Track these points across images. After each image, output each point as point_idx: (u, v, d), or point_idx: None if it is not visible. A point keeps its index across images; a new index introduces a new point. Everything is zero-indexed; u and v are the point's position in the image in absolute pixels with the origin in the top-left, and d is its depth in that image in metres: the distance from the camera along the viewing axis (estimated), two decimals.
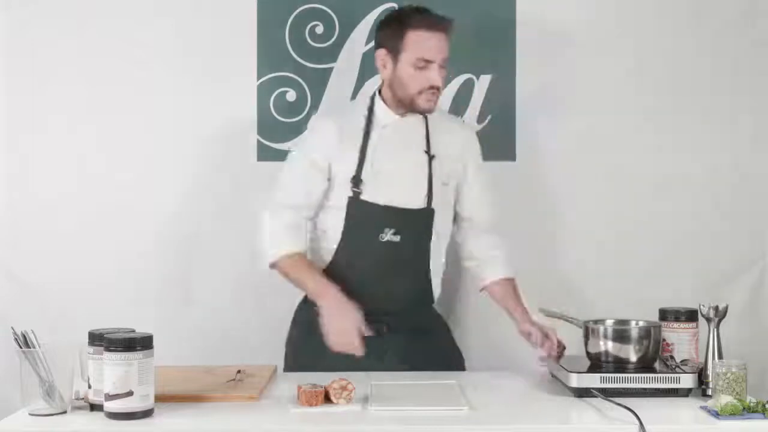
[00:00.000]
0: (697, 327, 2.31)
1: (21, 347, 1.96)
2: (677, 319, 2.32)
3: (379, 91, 2.59)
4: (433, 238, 2.57)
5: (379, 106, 2.57)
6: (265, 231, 2.55)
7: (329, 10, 3.08)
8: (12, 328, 1.98)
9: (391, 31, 2.50)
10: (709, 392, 2.11)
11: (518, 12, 3.06)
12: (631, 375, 2.12)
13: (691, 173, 3.11)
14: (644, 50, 3.09)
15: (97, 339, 1.96)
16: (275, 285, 3.05)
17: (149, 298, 3.02)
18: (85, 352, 1.99)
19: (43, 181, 3.08)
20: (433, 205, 2.55)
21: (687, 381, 2.12)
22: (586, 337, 2.24)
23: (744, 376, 2.05)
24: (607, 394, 2.05)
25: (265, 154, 3.08)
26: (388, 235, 2.50)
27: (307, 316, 2.59)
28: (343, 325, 2.39)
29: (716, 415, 1.93)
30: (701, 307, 2.20)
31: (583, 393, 2.10)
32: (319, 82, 3.08)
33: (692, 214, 3.10)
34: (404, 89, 2.49)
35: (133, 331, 2.00)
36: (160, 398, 1.98)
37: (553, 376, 2.30)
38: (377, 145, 2.53)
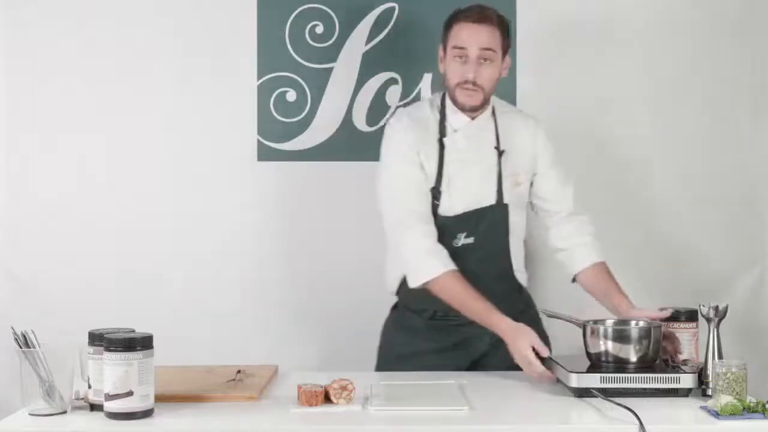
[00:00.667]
0: (697, 327, 2.31)
1: (21, 347, 1.96)
2: (677, 319, 2.32)
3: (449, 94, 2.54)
4: (510, 233, 2.53)
5: (449, 106, 2.53)
6: (407, 256, 2.45)
7: (329, 10, 3.08)
8: (12, 328, 1.98)
9: (444, 28, 2.49)
10: (709, 392, 2.11)
11: (518, 12, 3.06)
12: (631, 375, 2.12)
13: (691, 173, 3.11)
14: (645, 49, 3.09)
15: (97, 339, 1.96)
16: (275, 285, 3.08)
17: (149, 298, 3.02)
18: (85, 352, 1.99)
19: (43, 181, 3.08)
20: (506, 200, 2.52)
21: (687, 381, 2.12)
22: (586, 337, 2.24)
23: (744, 376, 2.05)
24: (607, 394, 2.05)
25: (265, 154, 3.09)
26: (462, 240, 2.48)
27: (391, 321, 2.62)
28: (516, 350, 2.28)
29: (716, 415, 1.93)
30: (701, 307, 2.20)
31: (583, 393, 2.10)
32: (319, 82, 3.08)
33: (692, 214, 3.11)
34: (447, 82, 2.49)
35: (133, 331, 2.00)
36: (160, 398, 1.98)
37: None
38: (451, 152, 2.49)
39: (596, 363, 2.20)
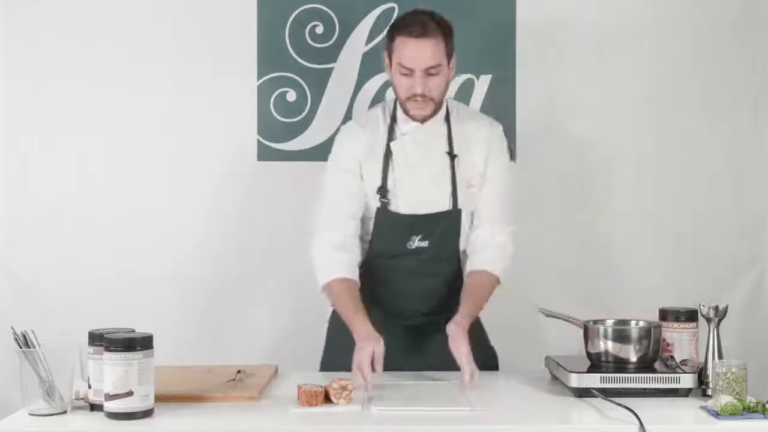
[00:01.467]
0: (697, 327, 2.31)
1: (21, 347, 1.96)
2: (677, 319, 2.31)
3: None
4: (461, 237, 2.52)
5: (400, 113, 2.51)
6: (313, 255, 2.49)
7: (329, 10, 3.08)
8: (12, 328, 1.98)
9: (388, 34, 2.45)
10: (709, 392, 2.11)
11: (518, 12, 3.07)
12: (631, 375, 2.12)
13: (691, 174, 3.11)
14: (644, 50, 3.09)
15: (97, 339, 1.95)
16: (275, 284, 3.08)
17: (149, 298, 3.02)
18: (85, 352, 1.99)
19: (43, 181, 3.08)
20: (459, 205, 2.50)
21: (687, 381, 2.12)
22: (586, 337, 2.24)
23: (744, 376, 2.05)
24: (607, 394, 2.05)
25: (265, 154, 3.09)
26: (416, 242, 2.47)
27: (337, 325, 2.58)
28: (357, 353, 2.27)
29: (716, 415, 1.93)
30: (701, 307, 2.20)
31: (583, 393, 2.10)
32: (319, 82, 3.08)
33: (692, 214, 3.11)
34: (398, 94, 2.45)
35: (133, 331, 2.00)
36: (160, 398, 1.98)
37: (553, 376, 2.30)
38: (398, 155, 2.48)
39: (596, 363, 2.20)
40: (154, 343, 1.94)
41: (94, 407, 1.96)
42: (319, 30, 3.08)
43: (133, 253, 3.06)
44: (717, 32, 3.09)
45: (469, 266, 2.50)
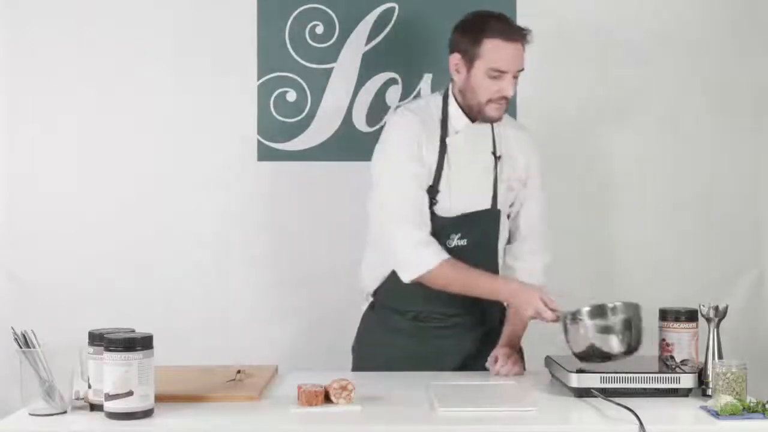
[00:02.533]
0: (697, 327, 2.31)
1: (21, 347, 1.96)
2: (677, 319, 2.31)
3: (452, 93, 2.53)
4: (500, 238, 2.54)
5: (453, 108, 2.52)
6: (397, 251, 2.42)
7: (329, 10, 3.08)
8: (12, 328, 1.98)
9: (467, 37, 2.43)
10: (709, 392, 2.11)
11: (518, 12, 3.06)
12: (631, 375, 2.12)
13: (691, 174, 3.11)
14: (644, 50, 3.09)
15: (97, 339, 1.95)
16: (276, 284, 3.08)
17: (149, 297, 3.02)
18: (85, 352, 1.99)
19: (44, 182, 3.08)
20: (499, 206, 2.52)
21: (687, 381, 2.12)
22: (567, 335, 2.21)
23: (744, 376, 2.05)
24: (607, 394, 2.05)
25: (265, 154, 3.09)
26: (455, 241, 2.47)
27: (371, 322, 2.61)
28: (527, 303, 2.32)
29: (716, 415, 1.93)
30: (701, 307, 2.20)
31: (583, 393, 2.10)
32: (319, 82, 3.08)
33: (692, 214, 3.11)
34: (475, 96, 2.44)
35: (133, 331, 2.00)
36: (160, 398, 1.98)
37: (553, 376, 2.30)
38: (452, 154, 2.48)
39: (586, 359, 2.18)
40: (154, 343, 1.94)
41: (94, 407, 1.96)
42: (319, 30, 3.08)
43: (134, 253, 3.06)
44: (719, 33, 3.09)
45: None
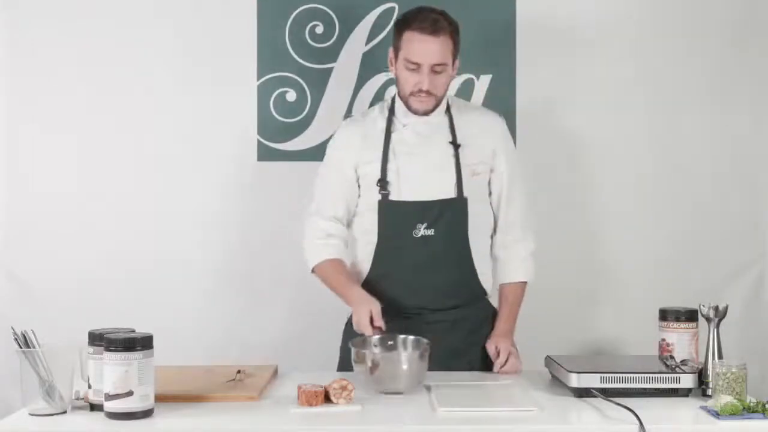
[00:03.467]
0: (697, 327, 2.31)
1: (21, 347, 1.96)
2: (677, 319, 2.32)
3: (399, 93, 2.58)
4: (470, 228, 2.53)
5: (399, 106, 2.56)
6: (303, 241, 2.60)
7: (329, 10, 3.08)
8: (12, 328, 1.98)
9: (395, 30, 2.50)
10: (709, 392, 2.11)
11: (518, 12, 3.07)
12: (631, 375, 2.12)
13: (691, 173, 3.11)
14: (644, 49, 3.09)
15: (97, 339, 1.96)
16: (275, 284, 3.08)
17: (149, 297, 3.02)
18: (85, 352, 1.99)
19: (44, 182, 3.08)
20: (466, 194, 2.52)
21: (687, 381, 2.12)
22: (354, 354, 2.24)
23: (744, 376, 2.05)
24: (607, 394, 2.05)
25: (265, 154, 3.09)
26: (422, 230, 2.49)
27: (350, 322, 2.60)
28: (356, 313, 2.42)
29: (716, 415, 1.93)
30: (701, 307, 2.20)
31: (583, 393, 2.10)
32: (319, 82, 3.08)
33: (692, 214, 3.11)
34: (402, 89, 2.50)
35: (133, 331, 2.00)
36: (160, 398, 1.98)
37: (553, 376, 2.30)
38: (398, 145, 2.54)
39: None
40: (154, 343, 1.94)
41: (94, 407, 1.97)
42: (319, 30, 3.08)
43: (134, 253, 3.06)
44: (717, 31, 3.09)
45: (505, 276, 2.59)
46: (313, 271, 2.57)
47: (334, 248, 2.56)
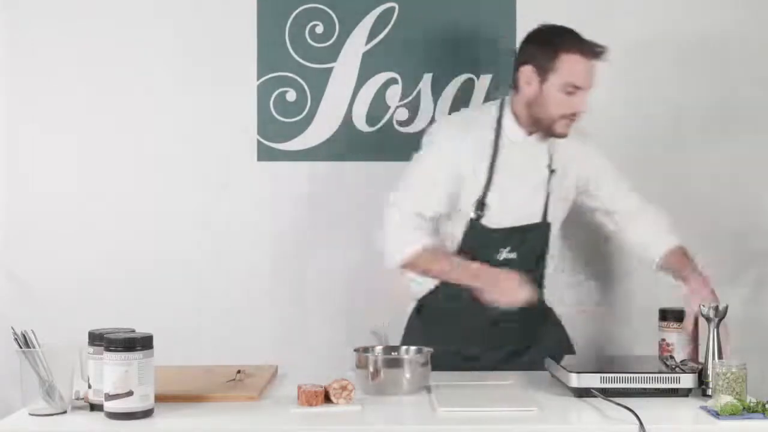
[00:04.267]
0: (697, 327, 2.31)
1: (21, 347, 1.96)
2: (677, 319, 2.32)
3: (508, 105, 2.52)
4: (548, 252, 2.55)
5: (508, 121, 2.49)
6: (389, 228, 2.43)
7: (329, 10, 3.08)
8: (12, 328, 1.98)
9: (541, 50, 2.41)
10: (709, 392, 2.11)
11: (518, 12, 3.07)
12: (631, 375, 2.12)
13: (691, 173, 3.11)
14: (645, 49, 3.08)
15: (97, 339, 1.96)
16: (275, 284, 3.08)
17: (149, 297, 3.02)
18: (85, 352, 1.99)
19: (44, 182, 3.08)
20: (549, 218, 2.53)
21: (687, 381, 2.12)
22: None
23: (744, 376, 2.05)
24: (607, 394, 2.05)
25: (265, 154, 3.09)
26: (504, 254, 2.47)
27: (415, 324, 2.62)
28: (505, 283, 2.35)
29: (716, 415, 1.93)
30: (701, 307, 2.20)
31: (583, 393, 2.10)
32: (319, 82, 3.08)
33: (692, 214, 3.10)
34: (545, 111, 2.42)
35: (133, 331, 2.00)
36: (160, 398, 1.98)
37: (553, 376, 2.30)
38: (503, 166, 2.47)
39: None
40: (154, 343, 1.94)
41: (94, 407, 1.97)
42: (319, 30, 3.08)
43: (133, 253, 3.06)
44: (718, 34, 3.09)
45: (657, 249, 2.54)
46: (404, 265, 2.43)
47: (428, 236, 2.42)
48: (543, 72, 2.40)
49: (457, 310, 2.49)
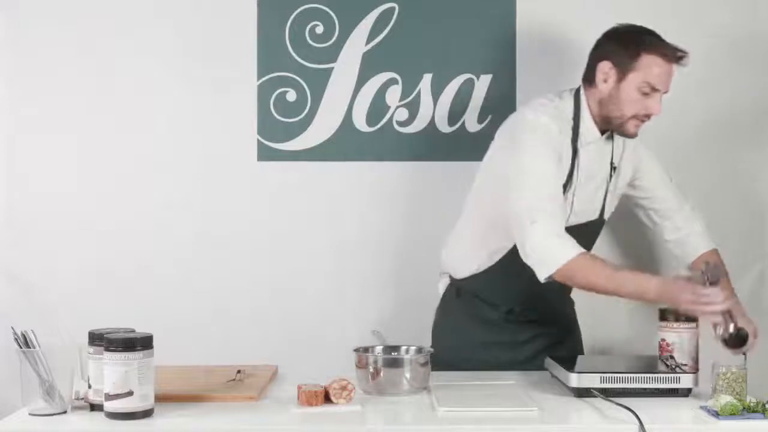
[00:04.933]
0: (697, 327, 2.31)
1: (21, 347, 1.96)
2: (677, 319, 2.32)
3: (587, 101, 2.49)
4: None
5: (587, 119, 2.47)
6: (534, 245, 2.29)
7: (329, 10, 3.08)
8: (12, 328, 1.98)
9: (623, 47, 2.40)
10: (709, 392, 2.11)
11: (518, 12, 3.06)
12: (631, 375, 2.12)
13: (691, 173, 3.10)
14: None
15: (97, 339, 1.96)
16: (275, 285, 3.08)
17: (149, 297, 3.02)
18: (85, 352, 1.99)
19: (44, 181, 3.08)
20: (605, 216, 2.55)
21: (687, 381, 2.12)
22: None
23: (744, 376, 2.05)
24: (607, 394, 2.05)
25: (265, 154, 3.09)
26: None
27: (453, 307, 2.63)
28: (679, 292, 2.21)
29: (716, 415, 1.93)
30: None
31: (583, 393, 2.10)
32: (319, 82, 3.08)
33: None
34: (619, 109, 2.41)
35: (133, 331, 2.00)
36: (160, 398, 1.98)
37: (553, 376, 2.30)
38: (580, 166, 2.45)
39: None
40: (154, 343, 1.94)
41: (94, 407, 1.97)
42: (319, 30, 3.08)
43: (133, 253, 3.06)
44: (718, 33, 3.09)
45: (695, 250, 2.65)
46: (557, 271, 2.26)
47: (577, 245, 2.28)
48: (622, 70, 2.40)
49: (509, 297, 2.54)
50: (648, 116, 2.42)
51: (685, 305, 2.18)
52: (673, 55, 2.39)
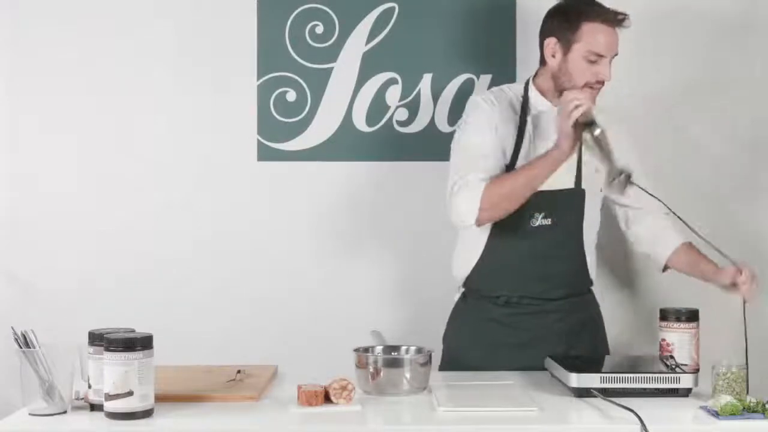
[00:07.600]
0: (697, 327, 2.31)
1: (21, 347, 1.96)
2: (677, 319, 2.32)
3: (532, 80, 2.58)
4: (585, 219, 2.56)
5: (533, 93, 2.55)
6: (458, 199, 2.43)
7: (329, 10, 3.08)
8: (12, 328, 1.98)
9: (564, 21, 2.47)
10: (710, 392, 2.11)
11: (518, 11, 3.07)
12: (631, 375, 2.12)
13: (691, 173, 3.11)
14: (643, 49, 3.08)
15: (97, 339, 1.96)
16: (275, 285, 3.08)
17: (149, 297, 3.02)
18: (85, 352, 1.99)
19: (44, 182, 3.08)
20: (583, 185, 2.54)
21: (687, 381, 2.12)
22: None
23: (744, 376, 2.05)
24: (607, 394, 2.05)
25: (265, 154, 3.09)
26: (539, 220, 2.49)
27: (463, 313, 2.63)
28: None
29: (716, 415, 1.93)
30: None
31: (583, 393, 2.10)
32: (319, 82, 3.08)
33: (692, 214, 3.09)
34: (571, 80, 2.47)
35: (133, 331, 2.00)
36: (160, 398, 1.98)
37: (553, 376, 2.30)
38: (531, 133, 2.52)
39: None
40: (154, 343, 1.94)
41: (94, 407, 1.97)
42: (319, 30, 3.09)
43: (134, 253, 3.06)
44: (717, 29, 3.09)
45: (668, 247, 2.62)
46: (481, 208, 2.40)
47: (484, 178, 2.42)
48: (566, 43, 2.46)
49: (501, 282, 2.53)
50: (600, 82, 2.47)
51: (564, 119, 2.32)
52: (614, 18, 2.44)
